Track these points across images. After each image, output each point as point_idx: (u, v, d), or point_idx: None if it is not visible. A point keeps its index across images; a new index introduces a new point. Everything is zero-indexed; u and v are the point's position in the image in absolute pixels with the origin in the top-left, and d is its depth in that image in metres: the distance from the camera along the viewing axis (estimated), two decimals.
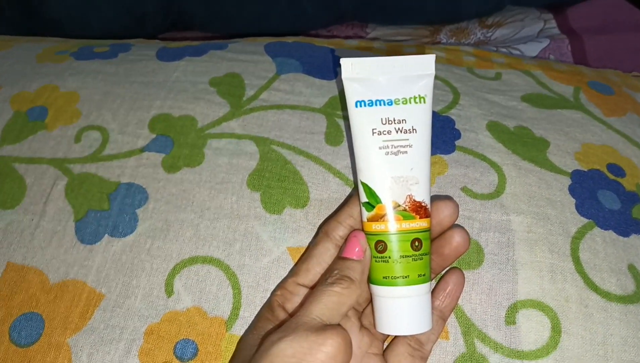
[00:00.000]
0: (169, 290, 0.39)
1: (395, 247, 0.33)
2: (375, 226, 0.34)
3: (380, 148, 0.34)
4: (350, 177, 0.43)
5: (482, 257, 0.38)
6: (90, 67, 0.54)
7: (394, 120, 0.34)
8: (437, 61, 0.57)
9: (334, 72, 0.52)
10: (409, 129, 0.34)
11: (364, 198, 0.35)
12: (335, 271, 0.33)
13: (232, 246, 0.40)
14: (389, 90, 0.34)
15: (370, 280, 0.34)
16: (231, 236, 0.41)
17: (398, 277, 0.33)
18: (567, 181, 0.43)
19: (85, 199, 0.43)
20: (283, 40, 0.58)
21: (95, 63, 0.55)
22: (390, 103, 0.34)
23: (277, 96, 0.49)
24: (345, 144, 0.45)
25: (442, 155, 0.44)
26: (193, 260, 0.40)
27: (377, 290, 0.34)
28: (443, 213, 0.35)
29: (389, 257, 0.33)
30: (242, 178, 0.43)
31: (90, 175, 0.44)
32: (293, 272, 0.36)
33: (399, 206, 0.34)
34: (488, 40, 0.84)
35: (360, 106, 0.34)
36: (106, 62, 0.55)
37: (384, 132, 0.34)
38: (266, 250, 0.40)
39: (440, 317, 0.35)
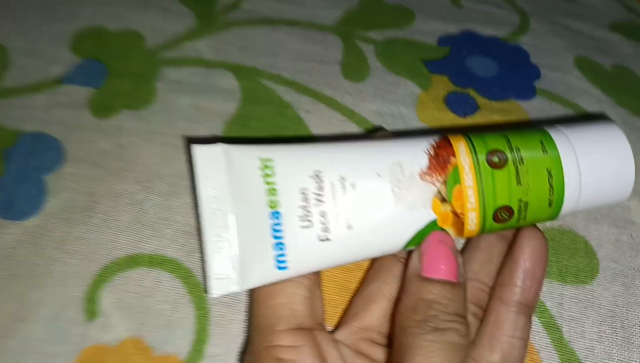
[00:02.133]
0: (92, 310, 0.24)
1: (496, 192, 0.21)
2: (471, 221, 0.21)
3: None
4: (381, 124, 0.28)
5: (596, 265, 0.25)
6: None
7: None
8: None
9: None
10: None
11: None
12: (436, 306, 0.20)
13: (196, 239, 0.25)
14: (246, 191, 0.21)
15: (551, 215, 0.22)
16: (195, 222, 0.26)
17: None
18: None
19: None
20: None
21: None
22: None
23: (267, 6, 0.33)
24: (371, 79, 0.30)
25: (518, 101, 0.29)
26: (132, 261, 0.25)
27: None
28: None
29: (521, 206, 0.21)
30: (215, 128, 0.28)
31: None
32: (268, 314, 0.22)
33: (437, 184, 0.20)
34: None
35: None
36: None
37: (304, 208, 0.21)
38: None
39: (524, 314, 0.23)
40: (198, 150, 0.20)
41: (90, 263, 0.25)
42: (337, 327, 0.23)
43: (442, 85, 0.29)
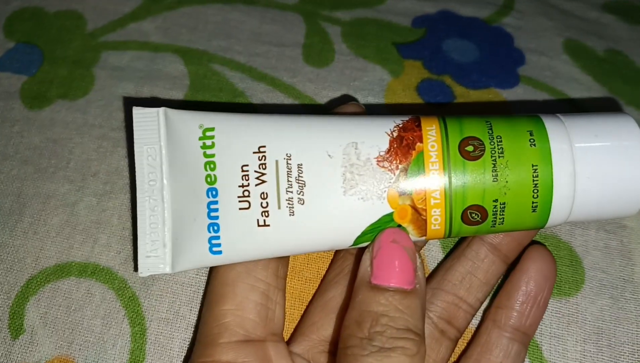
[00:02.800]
0: (16, 326, 0.22)
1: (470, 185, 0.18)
2: (434, 220, 0.18)
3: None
4: None
5: (581, 275, 0.22)
6: None
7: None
8: None
9: None
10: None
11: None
12: (382, 320, 0.17)
13: (132, 246, 0.23)
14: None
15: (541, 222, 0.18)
16: (132, 226, 0.23)
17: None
18: None
19: None
20: None
21: None
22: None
23: None
24: (336, 65, 0.27)
25: (498, 89, 0.26)
26: (62, 270, 0.22)
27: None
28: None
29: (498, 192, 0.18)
30: None
31: None
32: (212, 322, 0.19)
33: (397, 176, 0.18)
34: None
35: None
36: None
37: (243, 187, 0.18)
38: None
39: (518, 342, 0.20)
40: (137, 112, 0.18)
41: (16, 273, 0.22)
42: (294, 337, 0.21)
43: (416, 71, 0.26)
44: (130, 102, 0.25)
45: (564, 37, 0.30)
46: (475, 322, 0.21)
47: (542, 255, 0.20)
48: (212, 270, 0.20)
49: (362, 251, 0.19)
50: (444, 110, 0.26)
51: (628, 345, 0.21)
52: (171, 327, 0.21)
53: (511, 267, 0.21)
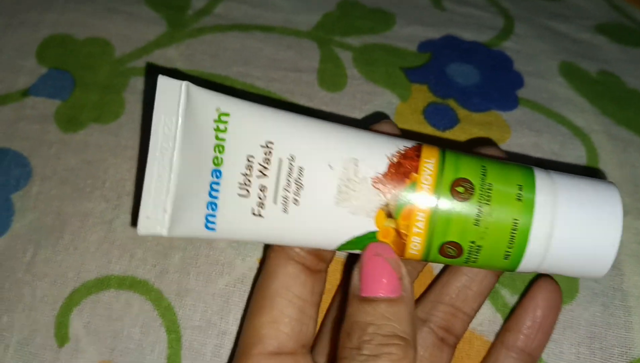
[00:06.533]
0: (62, 335, 0.24)
1: (458, 219, 0.19)
2: (413, 246, 0.19)
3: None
4: None
5: (575, 285, 0.24)
6: None
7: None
8: None
9: None
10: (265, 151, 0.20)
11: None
12: (370, 329, 0.18)
13: (167, 259, 0.25)
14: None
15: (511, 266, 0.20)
16: (166, 241, 0.25)
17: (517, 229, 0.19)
18: None
19: None
20: None
21: None
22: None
23: (239, 10, 0.32)
24: (348, 89, 0.29)
25: (499, 112, 0.29)
26: (102, 283, 0.24)
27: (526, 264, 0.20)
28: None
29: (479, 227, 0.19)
30: None
31: None
32: (250, 332, 0.21)
33: (388, 207, 0.19)
34: None
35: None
36: None
37: (245, 176, 0.20)
38: (224, 264, 0.25)
39: (521, 359, 0.22)
40: (162, 81, 0.19)
41: (60, 286, 0.24)
42: (315, 347, 0.23)
43: (422, 95, 0.29)
44: (153, 70, 0.27)
45: (559, 60, 0.32)
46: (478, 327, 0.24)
47: (550, 285, 0.22)
48: (256, 282, 0.22)
49: (352, 266, 0.20)
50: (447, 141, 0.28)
51: (618, 347, 0.23)
52: (204, 334, 0.23)
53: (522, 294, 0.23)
